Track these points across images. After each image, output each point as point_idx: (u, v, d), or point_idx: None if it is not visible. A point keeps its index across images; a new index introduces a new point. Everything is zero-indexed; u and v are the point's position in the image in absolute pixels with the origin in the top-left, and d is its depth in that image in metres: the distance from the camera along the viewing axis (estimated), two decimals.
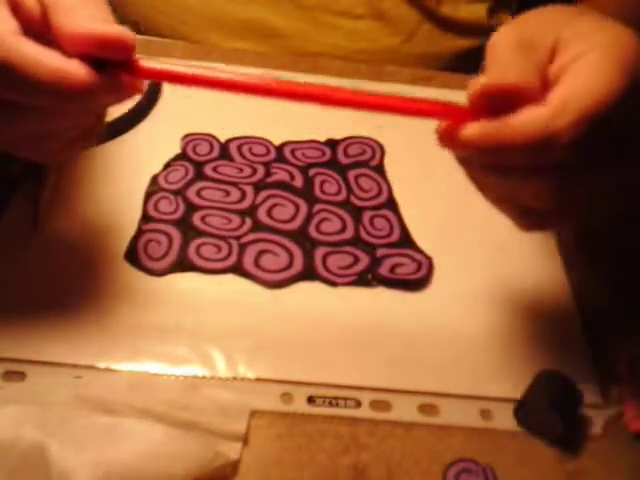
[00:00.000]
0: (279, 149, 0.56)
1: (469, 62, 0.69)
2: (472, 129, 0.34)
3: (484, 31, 0.68)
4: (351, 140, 0.57)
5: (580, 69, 0.34)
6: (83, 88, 0.32)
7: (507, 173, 0.35)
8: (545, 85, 0.34)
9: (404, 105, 0.38)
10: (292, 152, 0.55)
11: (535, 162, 0.34)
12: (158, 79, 0.35)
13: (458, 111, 0.35)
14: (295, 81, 0.36)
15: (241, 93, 0.35)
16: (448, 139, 0.36)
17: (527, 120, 0.33)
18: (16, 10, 0.34)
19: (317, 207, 0.52)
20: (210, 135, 0.55)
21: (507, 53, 0.34)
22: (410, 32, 0.66)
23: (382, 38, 0.66)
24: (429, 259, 0.49)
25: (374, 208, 0.52)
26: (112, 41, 0.32)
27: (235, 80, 0.34)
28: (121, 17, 0.68)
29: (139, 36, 0.64)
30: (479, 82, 0.34)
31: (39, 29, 0.34)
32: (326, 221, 0.51)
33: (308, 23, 0.65)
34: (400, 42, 0.67)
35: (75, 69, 0.32)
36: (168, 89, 0.58)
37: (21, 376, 0.41)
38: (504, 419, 0.43)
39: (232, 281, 0.47)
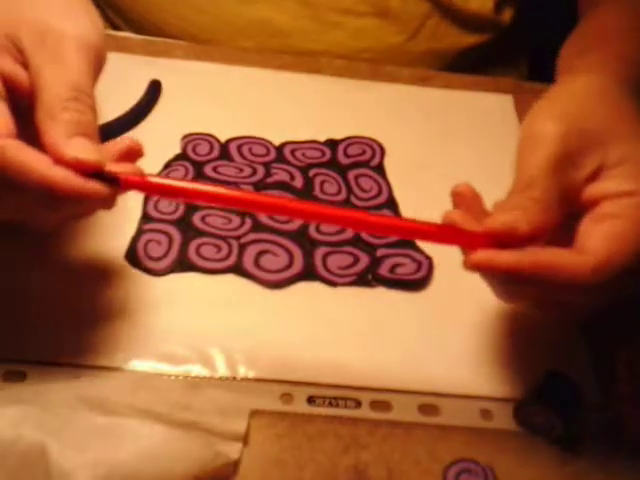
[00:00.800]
0: (279, 149, 0.56)
1: (472, 60, 0.69)
2: (495, 257, 0.34)
3: (489, 26, 0.68)
4: (351, 140, 0.57)
5: (630, 225, 0.34)
6: (75, 196, 0.33)
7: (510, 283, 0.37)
8: (568, 197, 0.35)
9: (410, 228, 0.37)
10: (292, 152, 0.55)
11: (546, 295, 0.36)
12: (147, 192, 0.38)
13: (467, 235, 0.36)
14: (288, 198, 0.39)
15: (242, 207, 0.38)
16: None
17: (564, 264, 0.33)
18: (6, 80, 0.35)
19: None
20: (210, 135, 0.55)
21: (542, 169, 0.35)
22: (415, 29, 0.66)
23: (386, 36, 0.66)
24: (429, 259, 0.49)
25: (374, 208, 0.52)
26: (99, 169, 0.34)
27: (241, 196, 0.37)
28: (125, 16, 0.68)
29: (140, 36, 0.64)
30: (498, 221, 0.35)
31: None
32: None
33: (312, 21, 0.65)
34: (404, 40, 0.66)
35: (67, 181, 0.33)
36: (168, 89, 0.58)
37: (21, 376, 0.41)
38: (504, 419, 0.43)
39: (232, 281, 0.47)
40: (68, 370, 0.41)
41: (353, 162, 0.56)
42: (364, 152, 0.56)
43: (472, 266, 0.35)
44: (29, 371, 0.41)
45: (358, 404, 0.42)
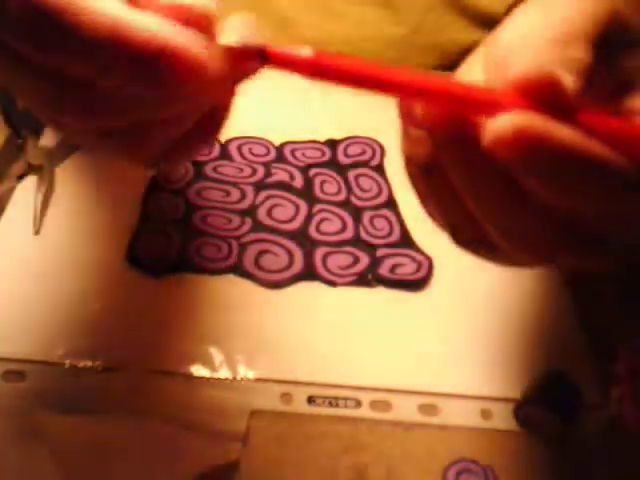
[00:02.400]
0: (279, 149, 0.56)
1: None
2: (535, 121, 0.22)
3: (494, 24, 0.68)
4: (351, 140, 0.57)
5: None
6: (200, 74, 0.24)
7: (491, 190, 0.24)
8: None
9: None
10: (292, 152, 0.55)
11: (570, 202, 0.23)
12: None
13: (480, 93, 0.23)
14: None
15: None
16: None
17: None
18: None
19: (317, 207, 0.51)
20: None
21: (586, 28, 0.24)
22: (417, 21, 0.66)
23: (389, 27, 0.66)
24: (429, 259, 0.49)
25: (374, 208, 0.52)
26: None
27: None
28: None
29: None
30: (534, 67, 0.23)
31: None
32: (326, 221, 0.51)
33: (316, 10, 0.65)
34: (407, 32, 0.66)
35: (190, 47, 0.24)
36: None
37: (21, 376, 0.41)
38: (504, 419, 0.43)
39: (232, 281, 0.47)
40: (68, 370, 0.41)
41: (353, 162, 0.56)
42: (364, 152, 0.56)
43: (509, 136, 0.21)
44: (29, 371, 0.41)
45: (358, 404, 0.42)
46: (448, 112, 0.23)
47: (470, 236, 0.27)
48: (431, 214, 0.29)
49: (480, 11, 0.67)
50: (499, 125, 0.21)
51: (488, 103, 0.22)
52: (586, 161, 0.21)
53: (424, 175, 0.27)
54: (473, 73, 0.27)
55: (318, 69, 0.25)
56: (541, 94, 0.22)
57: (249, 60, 0.25)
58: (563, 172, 0.22)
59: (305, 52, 0.25)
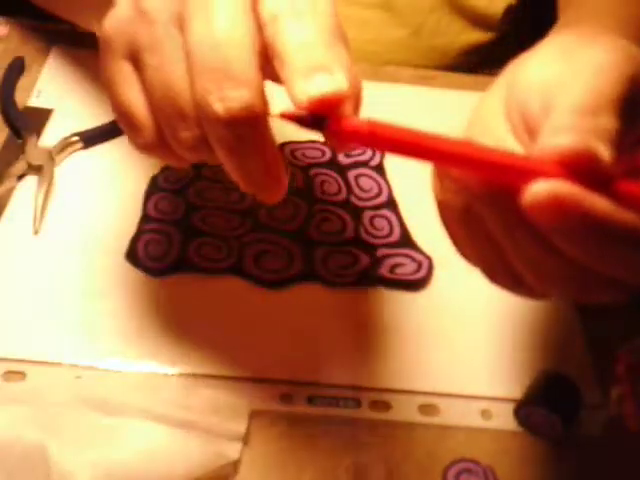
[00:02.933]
0: (279, 149, 0.55)
1: (474, 59, 0.69)
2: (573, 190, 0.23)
3: (492, 26, 0.68)
4: None
5: None
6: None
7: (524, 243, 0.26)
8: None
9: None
10: (292, 152, 0.55)
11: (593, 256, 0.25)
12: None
13: (521, 164, 0.25)
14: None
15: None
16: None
17: None
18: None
19: (317, 207, 0.51)
20: None
21: (612, 99, 0.26)
22: (418, 24, 0.66)
23: (390, 29, 0.66)
24: (429, 259, 0.49)
25: (374, 208, 0.52)
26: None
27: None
28: None
29: None
30: (569, 142, 0.24)
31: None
32: (326, 221, 0.51)
33: None
34: (408, 34, 0.66)
35: None
36: None
37: (21, 376, 0.41)
38: (504, 419, 0.43)
39: (232, 281, 0.47)
40: (68, 370, 0.41)
41: (353, 162, 0.55)
42: (364, 152, 0.56)
43: (545, 201, 0.23)
44: (29, 371, 0.41)
45: (358, 404, 0.42)
46: (490, 178, 0.25)
47: (505, 275, 0.28)
48: (466, 256, 0.30)
49: (479, 13, 0.67)
50: (536, 190, 0.23)
51: (527, 171, 0.23)
52: (616, 230, 0.23)
53: (461, 222, 0.28)
54: (494, 110, 0.29)
55: (373, 140, 0.26)
56: (579, 166, 0.23)
57: (311, 128, 0.27)
58: (593, 239, 0.23)
59: (362, 123, 0.26)
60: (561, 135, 0.24)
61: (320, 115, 0.26)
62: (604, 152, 0.24)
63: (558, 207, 0.23)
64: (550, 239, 0.24)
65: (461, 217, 0.28)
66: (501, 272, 0.29)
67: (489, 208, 0.26)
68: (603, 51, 0.28)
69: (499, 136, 0.29)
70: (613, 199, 0.24)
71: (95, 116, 0.54)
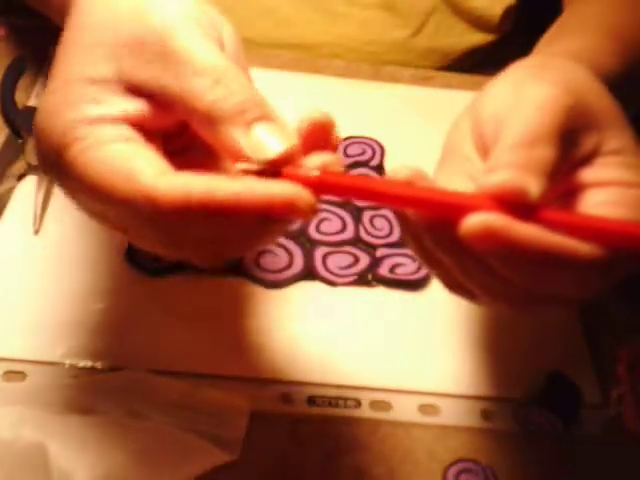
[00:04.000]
0: None
1: (474, 61, 0.69)
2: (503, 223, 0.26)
3: (493, 28, 0.68)
4: (351, 140, 0.57)
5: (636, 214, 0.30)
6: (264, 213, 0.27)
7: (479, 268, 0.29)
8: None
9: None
10: None
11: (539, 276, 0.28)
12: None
13: (457, 199, 0.28)
14: None
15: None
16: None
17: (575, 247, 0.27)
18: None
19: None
20: None
21: (549, 130, 0.29)
22: (419, 24, 0.66)
23: (391, 29, 0.66)
24: None
25: (374, 208, 0.52)
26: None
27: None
28: None
29: None
30: (504, 180, 0.27)
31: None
32: (326, 221, 0.51)
33: (318, 12, 0.65)
34: (409, 35, 0.66)
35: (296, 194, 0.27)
36: None
37: (21, 376, 0.41)
38: (504, 419, 0.43)
39: (232, 281, 0.47)
40: (68, 370, 0.41)
41: (353, 162, 0.55)
42: (364, 152, 0.56)
43: (478, 232, 0.26)
44: (29, 371, 0.41)
45: (358, 404, 0.42)
46: (433, 215, 0.28)
47: (460, 290, 0.33)
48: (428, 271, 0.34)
49: (479, 15, 0.67)
50: (470, 222, 0.26)
51: (465, 206, 0.27)
52: (544, 252, 0.26)
53: (415, 247, 0.32)
54: (462, 132, 0.34)
55: (323, 187, 0.29)
56: (510, 200, 0.27)
57: (268, 177, 0.28)
58: (526, 262, 0.27)
59: (313, 173, 0.28)
60: (495, 174, 0.28)
61: (275, 168, 0.28)
62: (533, 186, 0.27)
63: (489, 235, 0.26)
64: (490, 264, 0.28)
65: (414, 243, 0.31)
66: (455, 288, 0.33)
67: (432, 239, 0.29)
68: (546, 85, 0.31)
69: (466, 154, 0.33)
70: (541, 225, 0.27)
71: None
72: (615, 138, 0.32)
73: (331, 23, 0.66)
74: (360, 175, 0.30)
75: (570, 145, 0.30)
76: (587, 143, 0.31)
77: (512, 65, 0.36)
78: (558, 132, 0.29)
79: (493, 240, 0.26)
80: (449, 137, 0.36)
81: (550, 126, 0.29)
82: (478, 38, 0.69)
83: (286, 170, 0.28)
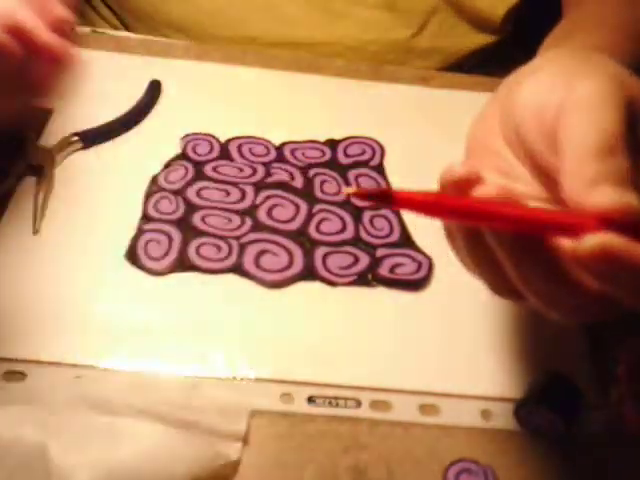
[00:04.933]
0: (279, 149, 0.56)
1: (475, 62, 0.69)
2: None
3: (494, 29, 0.68)
4: (351, 140, 0.57)
5: None
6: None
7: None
8: None
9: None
10: (292, 152, 0.55)
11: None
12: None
13: (569, 218, 0.27)
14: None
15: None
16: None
17: None
18: None
19: (317, 207, 0.51)
20: (210, 135, 0.55)
21: (619, 133, 0.28)
22: (421, 24, 0.66)
23: (393, 29, 0.66)
24: (429, 259, 0.49)
25: (374, 208, 0.52)
26: None
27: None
28: (129, 7, 0.68)
29: (140, 36, 0.64)
30: (610, 198, 0.26)
31: None
32: (326, 221, 0.51)
33: (320, 10, 0.65)
34: (410, 35, 0.66)
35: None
36: (168, 89, 0.58)
37: (21, 376, 0.41)
38: (504, 419, 0.43)
39: (232, 281, 0.47)
40: (68, 370, 0.41)
41: (353, 162, 0.55)
42: (364, 152, 0.56)
43: (596, 253, 0.25)
44: (29, 371, 0.41)
45: (358, 404, 0.42)
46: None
47: (509, 293, 0.31)
48: (469, 270, 0.33)
49: (482, 16, 0.67)
50: (588, 244, 0.25)
51: (568, 226, 0.26)
52: None
53: (467, 244, 0.30)
54: (489, 128, 0.33)
55: (436, 210, 0.28)
56: (619, 219, 0.26)
57: (379, 202, 0.28)
58: (632, 277, 0.25)
59: (420, 196, 0.28)
60: (598, 191, 0.26)
61: (385, 192, 0.28)
62: (634, 200, 0.26)
63: (608, 256, 0.25)
64: (567, 276, 0.27)
65: (468, 241, 0.29)
66: (504, 290, 0.31)
67: (501, 247, 0.28)
68: (600, 79, 0.29)
69: (496, 149, 0.32)
70: None
71: (95, 116, 0.54)
72: None
73: (332, 22, 0.66)
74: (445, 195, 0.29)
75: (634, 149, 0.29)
76: None
77: (543, 57, 0.34)
78: (625, 136, 0.28)
79: (612, 261, 0.25)
80: (475, 129, 0.35)
81: (619, 131, 0.28)
82: (480, 39, 0.69)
83: (398, 195, 0.28)
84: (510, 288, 0.30)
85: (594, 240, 0.25)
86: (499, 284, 0.31)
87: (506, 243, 0.28)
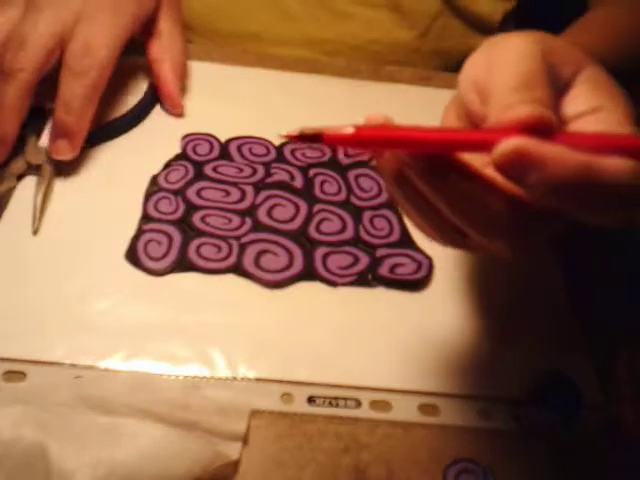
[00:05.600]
0: (279, 149, 0.56)
1: None
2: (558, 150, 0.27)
3: (495, 31, 0.68)
4: None
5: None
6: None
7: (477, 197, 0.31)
8: None
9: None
10: (292, 152, 0.55)
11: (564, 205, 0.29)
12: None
13: (485, 133, 0.30)
14: None
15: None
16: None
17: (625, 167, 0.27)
18: None
19: (317, 207, 0.52)
20: (210, 135, 0.55)
21: (537, 74, 0.31)
22: (425, 27, 0.66)
23: (397, 30, 0.66)
24: (429, 259, 0.49)
25: (374, 208, 0.52)
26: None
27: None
28: None
29: (141, 37, 0.64)
30: (525, 110, 0.29)
31: None
32: (326, 221, 0.51)
33: (324, 8, 0.65)
34: (414, 37, 0.67)
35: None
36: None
37: (21, 376, 0.41)
38: (504, 419, 0.43)
39: (232, 281, 0.47)
40: (68, 370, 0.41)
41: (353, 162, 0.56)
42: (364, 152, 0.56)
43: (512, 155, 0.27)
44: (29, 371, 0.41)
45: (358, 404, 0.42)
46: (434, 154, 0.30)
47: (445, 231, 0.34)
48: (409, 217, 0.36)
49: (482, 19, 0.67)
50: (503, 147, 0.27)
51: (482, 143, 0.29)
52: (571, 166, 0.27)
53: (396, 184, 0.33)
54: (450, 112, 0.37)
55: (359, 141, 0.31)
56: (536, 127, 0.28)
57: (309, 141, 0.33)
58: (554, 177, 0.27)
59: (348, 130, 0.32)
60: (516, 107, 0.29)
61: (316, 133, 0.32)
62: (552, 115, 0.29)
63: (522, 156, 0.27)
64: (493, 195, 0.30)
65: (396, 181, 0.32)
66: (447, 236, 0.34)
67: (422, 180, 0.31)
68: (519, 37, 0.33)
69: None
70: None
71: (95, 116, 0.54)
72: (587, 71, 0.33)
73: (336, 20, 0.66)
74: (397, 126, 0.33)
75: (552, 83, 0.32)
76: (566, 73, 0.33)
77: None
78: (545, 76, 0.31)
79: (526, 160, 0.27)
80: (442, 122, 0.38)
81: (538, 71, 0.31)
82: (480, 41, 0.69)
83: (325, 133, 0.32)
84: (451, 229, 0.33)
85: (509, 143, 0.27)
86: (440, 227, 0.33)
87: (423, 172, 0.31)
